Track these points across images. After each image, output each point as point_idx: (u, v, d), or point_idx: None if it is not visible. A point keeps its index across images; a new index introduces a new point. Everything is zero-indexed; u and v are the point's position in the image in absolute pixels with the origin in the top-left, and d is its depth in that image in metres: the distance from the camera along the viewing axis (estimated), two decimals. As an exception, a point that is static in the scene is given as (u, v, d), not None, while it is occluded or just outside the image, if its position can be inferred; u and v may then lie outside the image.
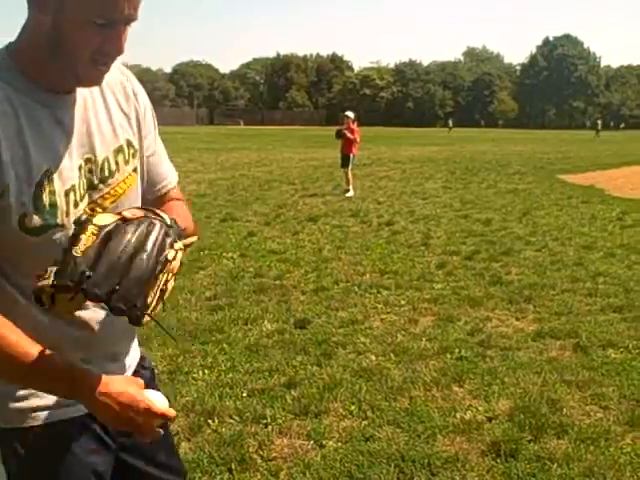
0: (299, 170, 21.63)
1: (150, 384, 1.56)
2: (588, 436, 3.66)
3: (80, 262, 1.15)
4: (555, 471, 3.31)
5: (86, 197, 1.41)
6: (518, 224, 11.00)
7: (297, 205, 13.40)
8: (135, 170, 1.53)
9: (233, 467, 3.36)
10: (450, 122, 77.51)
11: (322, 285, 6.92)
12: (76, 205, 1.38)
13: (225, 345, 5.10)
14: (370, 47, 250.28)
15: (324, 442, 3.63)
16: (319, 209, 12.88)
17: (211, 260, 8.01)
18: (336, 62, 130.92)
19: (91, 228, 1.19)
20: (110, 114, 1.48)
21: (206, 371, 4.58)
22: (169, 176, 1.69)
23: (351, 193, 14.97)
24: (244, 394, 4.22)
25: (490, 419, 3.90)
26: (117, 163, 1.47)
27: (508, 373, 4.57)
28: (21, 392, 1.44)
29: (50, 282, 1.15)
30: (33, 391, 1.44)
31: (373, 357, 4.89)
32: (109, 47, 1.31)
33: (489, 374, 4.55)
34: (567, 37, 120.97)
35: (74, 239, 1.18)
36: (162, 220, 1.26)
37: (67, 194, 1.36)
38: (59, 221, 1.35)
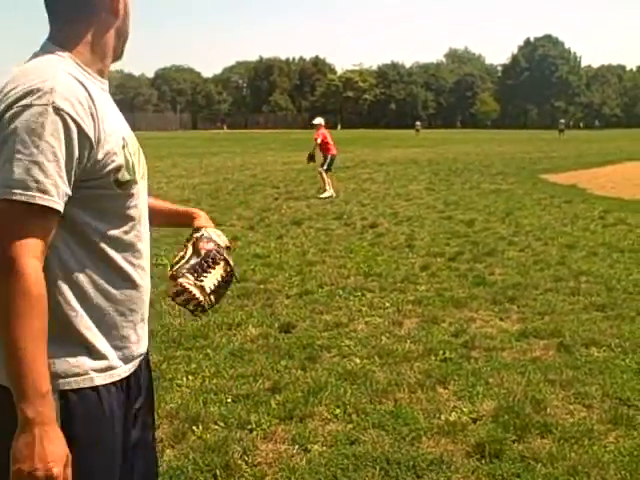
0: (283, 173, 21.62)
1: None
2: (572, 435, 3.67)
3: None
4: (539, 471, 3.32)
5: (141, 162, 1.72)
6: (501, 224, 11.05)
7: (281, 209, 13.39)
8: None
9: (218, 473, 3.34)
10: (418, 124, 75.88)
11: (306, 289, 6.91)
12: (139, 166, 1.68)
13: (209, 351, 5.08)
14: (352, 50, 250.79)
15: (309, 446, 3.62)
16: (303, 212, 12.88)
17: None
18: (319, 65, 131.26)
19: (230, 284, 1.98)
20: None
21: (190, 377, 4.55)
22: None
23: (329, 193, 15.00)
24: (228, 400, 4.21)
25: (475, 420, 3.91)
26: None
27: (492, 374, 4.59)
28: (83, 354, 1.58)
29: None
30: (95, 352, 1.59)
31: (358, 360, 4.89)
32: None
33: (473, 375, 4.57)
34: (548, 38, 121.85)
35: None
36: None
37: (134, 155, 1.66)
38: (137, 176, 1.66)
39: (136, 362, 1.72)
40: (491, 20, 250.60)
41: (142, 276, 1.71)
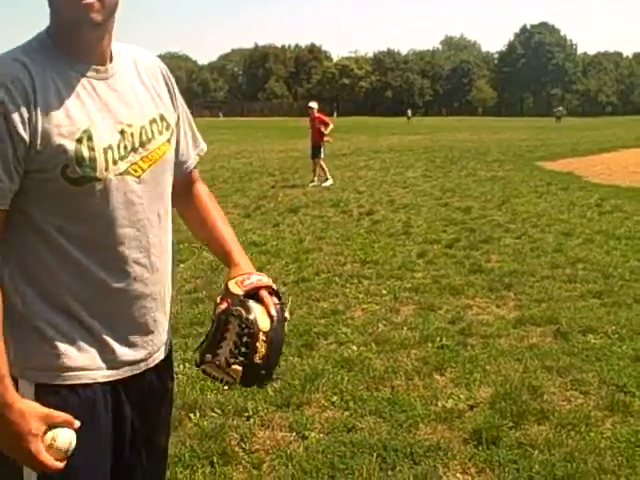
0: (279, 161, 21.58)
1: None
2: (569, 422, 3.68)
3: (261, 367, 1.62)
4: (536, 457, 3.33)
5: (127, 158, 1.56)
6: (498, 212, 11.04)
7: (277, 196, 13.36)
8: (169, 141, 1.69)
9: (215, 460, 3.34)
10: (409, 112, 74.78)
11: (303, 276, 6.91)
12: (115, 163, 1.53)
13: (206, 338, 5.06)
14: (348, 37, 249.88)
15: (306, 434, 3.62)
16: (299, 200, 12.85)
17: (191, 253, 7.96)
18: (314, 52, 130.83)
19: (262, 336, 1.62)
20: (146, 88, 1.67)
21: (187, 364, 4.54)
22: (191, 158, 1.89)
23: (330, 182, 15.01)
24: (225, 387, 4.19)
25: (471, 407, 3.91)
26: (152, 132, 1.63)
27: (489, 361, 4.59)
28: (53, 350, 1.53)
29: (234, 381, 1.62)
30: (64, 350, 1.54)
31: (355, 347, 4.89)
32: None
33: (470, 362, 4.57)
34: (544, 25, 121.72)
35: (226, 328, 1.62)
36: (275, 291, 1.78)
37: (105, 151, 1.51)
38: (98, 174, 1.49)
39: (126, 369, 1.63)
40: (487, 7, 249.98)
41: (127, 282, 1.59)
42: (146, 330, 1.66)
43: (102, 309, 1.58)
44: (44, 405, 1.44)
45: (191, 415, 3.81)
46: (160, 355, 1.73)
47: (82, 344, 1.56)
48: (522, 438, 3.52)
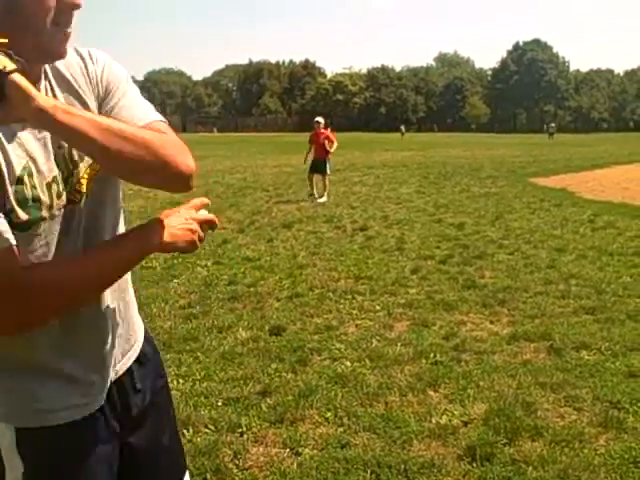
0: (273, 177, 21.60)
1: None
2: (563, 438, 3.68)
3: None
4: (530, 474, 3.32)
5: (66, 185, 1.40)
6: (491, 228, 11.07)
7: (271, 212, 13.37)
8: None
9: (208, 477, 3.33)
10: (403, 127, 75.31)
11: (297, 292, 6.90)
12: (59, 196, 1.37)
13: (199, 354, 5.06)
14: (342, 53, 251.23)
15: (300, 450, 3.61)
16: (293, 215, 12.86)
17: (185, 268, 7.95)
18: (309, 68, 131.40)
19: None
20: (70, 101, 1.43)
21: (181, 380, 4.53)
22: (134, 119, 1.49)
23: (324, 199, 15.04)
24: (219, 403, 4.19)
25: (466, 423, 3.91)
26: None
27: (483, 377, 4.59)
28: (42, 393, 1.47)
29: None
30: (53, 392, 1.47)
31: (348, 363, 4.88)
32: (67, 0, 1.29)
33: (464, 378, 4.56)
34: (536, 42, 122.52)
35: None
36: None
37: (49, 186, 1.35)
38: (44, 214, 1.34)
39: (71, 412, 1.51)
40: (480, 24, 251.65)
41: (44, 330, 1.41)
42: (76, 375, 1.56)
43: (21, 359, 1.48)
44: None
45: (184, 431, 3.79)
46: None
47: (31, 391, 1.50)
48: (516, 454, 3.51)
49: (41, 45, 1.29)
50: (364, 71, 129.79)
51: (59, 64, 1.43)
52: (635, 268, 7.86)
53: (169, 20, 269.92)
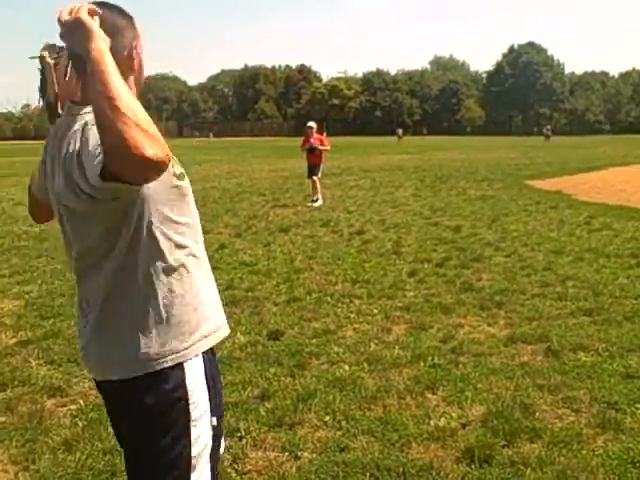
0: (269, 181, 21.61)
1: None
2: (561, 439, 3.69)
3: None
4: (529, 475, 3.33)
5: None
6: (488, 230, 11.08)
7: (268, 216, 13.38)
8: None
9: (208, 482, 3.32)
10: (400, 131, 74.15)
11: (294, 296, 6.91)
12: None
13: (198, 359, 5.05)
14: (338, 57, 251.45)
15: (299, 454, 3.61)
16: (290, 219, 12.87)
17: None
18: (304, 73, 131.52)
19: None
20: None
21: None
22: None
23: (320, 202, 15.03)
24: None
25: (464, 425, 3.92)
26: None
27: (481, 379, 4.60)
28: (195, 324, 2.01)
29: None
30: (203, 318, 2.04)
31: (347, 367, 4.89)
32: None
33: (462, 380, 4.57)
34: (531, 45, 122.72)
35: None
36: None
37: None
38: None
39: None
40: (475, 27, 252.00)
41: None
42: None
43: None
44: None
45: (183, 436, 3.78)
46: None
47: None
48: (514, 456, 3.52)
49: None
50: (359, 75, 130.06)
51: None
52: (631, 269, 7.89)
53: (163, 25, 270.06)
